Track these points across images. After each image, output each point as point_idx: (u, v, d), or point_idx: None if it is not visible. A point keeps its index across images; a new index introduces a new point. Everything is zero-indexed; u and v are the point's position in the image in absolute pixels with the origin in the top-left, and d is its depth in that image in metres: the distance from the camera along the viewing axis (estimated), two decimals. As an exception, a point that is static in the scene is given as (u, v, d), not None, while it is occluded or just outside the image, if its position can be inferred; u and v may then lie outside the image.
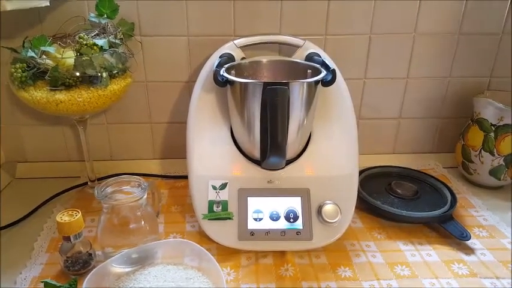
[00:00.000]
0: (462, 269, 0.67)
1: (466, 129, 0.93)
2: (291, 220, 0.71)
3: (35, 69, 0.70)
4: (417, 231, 0.77)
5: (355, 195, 0.74)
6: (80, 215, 0.64)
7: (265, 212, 0.72)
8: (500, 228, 0.78)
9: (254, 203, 0.72)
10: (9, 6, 0.61)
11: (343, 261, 0.69)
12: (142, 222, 0.68)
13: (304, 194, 0.73)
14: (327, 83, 0.70)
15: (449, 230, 0.74)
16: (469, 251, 0.72)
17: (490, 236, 0.76)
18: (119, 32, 0.80)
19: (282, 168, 0.74)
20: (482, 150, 0.88)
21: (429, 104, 0.99)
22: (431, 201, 0.82)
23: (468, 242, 0.74)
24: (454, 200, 0.81)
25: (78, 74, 0.70)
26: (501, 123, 0.86)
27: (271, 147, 0.67)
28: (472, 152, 0.91)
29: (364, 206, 0.82)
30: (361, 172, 0.84)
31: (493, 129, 0.86)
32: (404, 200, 0.82)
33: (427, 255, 0.71)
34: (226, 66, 0.74)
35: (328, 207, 0.71)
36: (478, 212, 0.83)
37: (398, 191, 0.84)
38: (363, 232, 0.77)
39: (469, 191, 0.91)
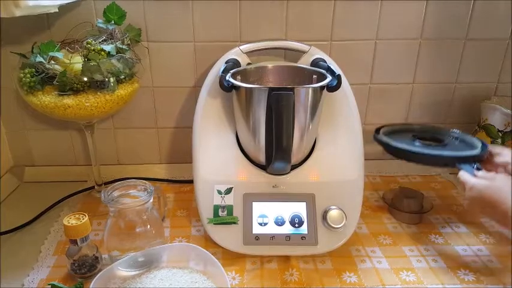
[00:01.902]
0: (468, 276, 0.67)
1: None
2: (296, 225, 0.71)
3: (44, 74, 0.71)
4: (423, 236, 0.77)
5: (361, 200, 0.74)
6: (86, 218, 0.65)
7: (270, 216, 0.72)
8: (507, 234, 0.77)
9: (259, 208, 0.72)
10: (18, 12, 0.62)
11: (348, 267, 0.69)
12: (148, 226, 0.68)
13: (309, 199, 0.73)
14: (333, 88, 0.70)
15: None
16: (475, 257, 0.72)
17: (497, 242, 0.75)
18: (126, 38, 0.81)
19: (287, 173, 0.74)
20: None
21: (435, 109, 0.99)
22: (459, 148, 0.75)
23: (474, 248, 0.73)
24: (484, 146, 0.73)
25: (85, 79, 0.71)
26: (508, 129, 0.85)
27: (277, 152, 0.67)
28: (478, 158, 0.90)
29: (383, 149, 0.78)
30: (377, 129, 0.80)
31: (500, 135, 0.86)
32: (429, 146, 0.75)
33: (432, 261, 0.71)
34: (232, 71, 0.75)
35: (333, 213, 0.71)
36: (484, 218, 0.82)
37: (423, 140, 0.77)
38: (368, 237, 0.77)
39: (476, 197, 0.90)
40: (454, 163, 0.70)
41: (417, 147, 0.74)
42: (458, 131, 0.80)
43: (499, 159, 0.68)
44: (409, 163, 0.74)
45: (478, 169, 0.67)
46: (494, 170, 0.67)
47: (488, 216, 0.63)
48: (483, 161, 0.69)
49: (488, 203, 0.61)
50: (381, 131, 0.79)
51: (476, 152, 0.71)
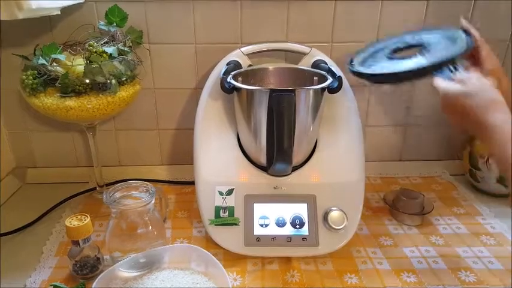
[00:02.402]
0: (469, 277, 0.67)
1: (473, 136, 0.93)
2: (297, 226, 0.71)
3: (46, 76, 0.72)
4: (424, 238, 0.77)
5: (361, 201, 0.74)
6: (88, 219, 0.65)
7: (272, 218, 0.72)
8: (508, 236, 0.78)
9: (260, 209, 0.72)
10: (20, 15, 0.62)
11: (349, 268, 0.69)
12: (150, 227, 0.69)
13: (310, 200, 0.73)
14: (333, 90, 0.71)
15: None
16: (476, 258, 0.72)
17: (497, 244, 0.76)
18: (127, 40, 0.81)
19: (288, 174, 0.74)
20: (489, 158, 0.88)
21: (436, 111, 0.98)
22: (441, 47, 0.66)
23: (475, 249, 0.74)
24: (468, 40, 0.64)
25: (88, 81, 0.72)
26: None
27: (278, 154, 0.68)
28: (479, 160, 0.90)
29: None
30: (351, 60, 0.72)
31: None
32: (407, 58, 0.66)
33: (433, 262, 0.71)
34: (233, 73, 0.75)
35: (334, 214, 0.71)
36: (485, 220, 0.83)
37: (401, 52, 0.69)
38: (369, 239, 0.77)
39: (477, 198, 0.91)
40: (433, 72, 0.62)
41: (391, 67, 0.66)
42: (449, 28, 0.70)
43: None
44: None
45: (456, 69, 0.60)
46: (476, 65, 0.61)
47: (463, 126, 0.57)
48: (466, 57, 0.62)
49: (460, 111, 0.56)
50: (355, 60, 0.71)
51: (456, 50, 0.62)
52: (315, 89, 0.70)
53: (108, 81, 0.73)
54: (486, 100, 0.54)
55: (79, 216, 0.66)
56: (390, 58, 0.69)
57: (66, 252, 0.69)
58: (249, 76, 0.80)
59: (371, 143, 0.99)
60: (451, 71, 0.60)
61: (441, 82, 0.59)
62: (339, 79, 0.70)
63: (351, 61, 0.71)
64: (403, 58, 0.67)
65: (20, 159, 1.00)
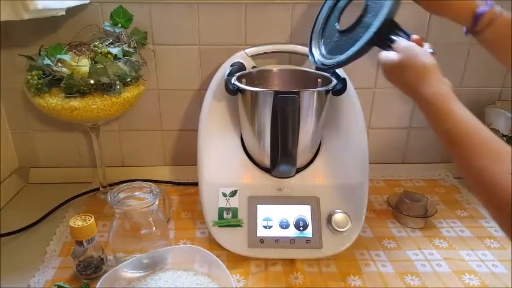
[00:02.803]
0: (473, 280, 0.67)
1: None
2: (301, 228, 0.71)
3: (51, 76, 0.72)
4: (427, 241, 0.77)
5: (365, 204, 0.74)
6: (93, 220, 0.65)
7: (275, 219, 0.72)
8: (511, 239, 0.77)
9: (264, 211, 0.72)
10: (27, 16, 0.63)
11: (353, 270, 0.69)
12: (154, 228, 0.69)
13: (314, 202, 0.73)
14: (338, 92, 0.71)
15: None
16: (480, 262, 0.71)
17: (501, 247, 0.75)
18: (132, 41, 0.81)
19: (291, 176, 0.74)
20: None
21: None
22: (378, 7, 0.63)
23: (479, 253, 0.73)
24: None
25: (92, 81, 0.72)
26: (512, 134, 0.85)
27: (282, 155, 0.68)
28: (483, 162, 0.90)
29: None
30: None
31: (505, 139, 0.86)
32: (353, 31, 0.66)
33: (437, 265, 0.71)
34: (237, 74, 0.75)
35: (338, 216, 0.71)
36: (489, 223, 0.82)
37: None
38: (373, 241, 0.77)
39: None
40: (376, 42, 0.60)
41: (347, 46, 0.63)
42: None
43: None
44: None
45: (391, 41, 0.59)
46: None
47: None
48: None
49: (398, 83, 0.57)
50: (313, 48, 0.71)
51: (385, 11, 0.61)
52: (319, 91, 0.70)
53: (113, 82, 0.73)
54: (417, 72, 0.53)
55: (83, 217, 0.66)
56: (342, 32, 0.68)
57: (69, 253, 0.69)
58: (253, 78, 0.80)
59: (374, 145, 0.99)
60: (391, 41, 0.59)
61: (383, 54, 0.58)
62: (343, 81, 0.70)
63: (311, 52, 0.71)
64: (352, 29, 0.66)
65: (23, 159, 1.00)
